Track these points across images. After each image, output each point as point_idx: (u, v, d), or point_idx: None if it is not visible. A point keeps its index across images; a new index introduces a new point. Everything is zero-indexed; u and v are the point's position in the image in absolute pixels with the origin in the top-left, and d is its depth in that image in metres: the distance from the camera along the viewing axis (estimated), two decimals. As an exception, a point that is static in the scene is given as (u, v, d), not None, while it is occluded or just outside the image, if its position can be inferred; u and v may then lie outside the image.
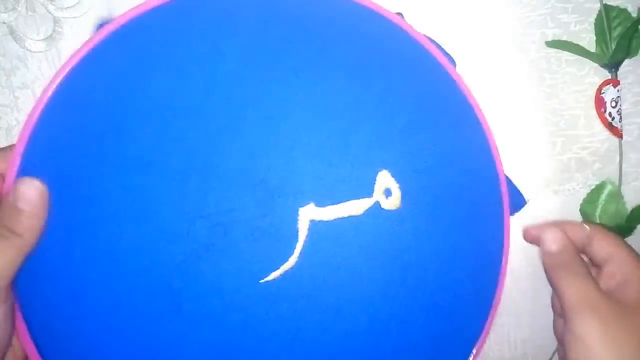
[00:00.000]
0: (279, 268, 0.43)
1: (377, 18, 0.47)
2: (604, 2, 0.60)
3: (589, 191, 0.62)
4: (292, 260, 0.43)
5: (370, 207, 0.46)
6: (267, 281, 0.42)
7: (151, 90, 0.41)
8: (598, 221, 0.61)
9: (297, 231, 0.44)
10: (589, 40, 0.61)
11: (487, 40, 0.60)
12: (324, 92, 0.44)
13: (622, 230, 0.61)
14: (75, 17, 0.54)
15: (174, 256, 0.40)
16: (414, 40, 0.49)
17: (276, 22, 0.43)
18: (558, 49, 0.60)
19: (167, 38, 0.42)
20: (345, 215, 0.45)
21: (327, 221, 0.44)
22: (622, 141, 0.61)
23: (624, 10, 0.61)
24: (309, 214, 0.44)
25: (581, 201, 0.62)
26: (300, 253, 0.44)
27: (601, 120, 0.61)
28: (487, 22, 0.59)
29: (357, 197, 0.45)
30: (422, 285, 0.47)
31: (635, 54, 0.61)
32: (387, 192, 0.47)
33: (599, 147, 0.62)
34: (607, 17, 0.60)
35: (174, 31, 0.42)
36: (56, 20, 0.53)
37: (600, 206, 0.62)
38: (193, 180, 0.41)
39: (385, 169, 0.46)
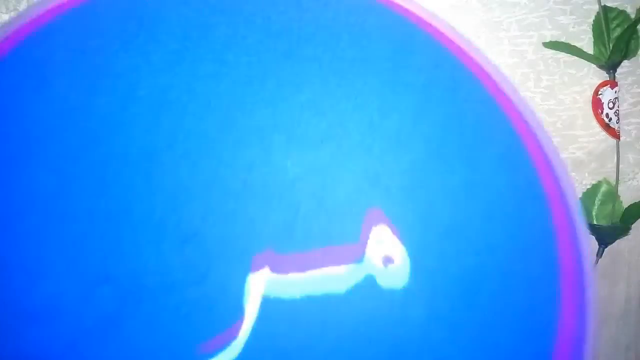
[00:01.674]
0: (212, 358, 0.26)
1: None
2: (602, 4, 0.59)
3: (584, 190, 0.61)
4: (234, 350, 0.26)
5: (359, 282, 0.26)
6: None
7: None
8: (594, 221, 0.60)
9: (243, 309, 0.26)
10: (587, 42, 0.60)
11: (484, 42, 0.58)
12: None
13: (618, 229, 0.60)
14: (76, 18, 0.52)
15: (77, 326, 0.26)
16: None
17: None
18: (555, 50, 0.59)
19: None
20: (318, 292, 0.26)
21: (289, 298, 0.26)
22: (620, 141, 0.60)
23: (623, 12, 0.59)
24: (261, 284, 0.26)
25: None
26: (247, 340, 0.25)
27: (598, 121, 0.60)
28: (485, 24, 0.58)
29: (338, 264, 0.26)
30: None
31: (634, 54, 0.60)
32: (387, 260, 0.27)
33: (596, 147, 0.61)
34: (605, 19, 0.59)
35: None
36: (57, 21, 0.52)
37: (596, 205, 0.60)
38: (95, 230, 0.26)
39: (384, 222, 0.26)
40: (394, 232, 0.27)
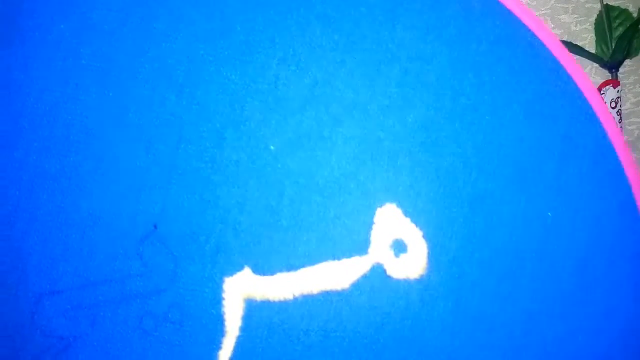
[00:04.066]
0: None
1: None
2: (604, 2, 0.55)
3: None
4: None
5: (365, 275, 0.20)
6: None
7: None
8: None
9: (222, 319, 0.20)
10: (589, 41, 0.57)
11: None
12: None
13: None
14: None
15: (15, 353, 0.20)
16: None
17: None
18: (558, 50, 0.55)
19: None
20: (315, 291, 0.20)
21: (279, 301, 0.20)
22: (625, 140, 0.56)
23: (625, 11, 0.56)
24: (242, 287, 0.20)
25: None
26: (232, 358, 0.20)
27: (603, 120, 0.55)
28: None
29: (338, 257, 0.19)
30: None
31: (636, 54, 0.57)
32: (398, 246, 0.20)
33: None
34: (607, 17, 0.56)
35: None
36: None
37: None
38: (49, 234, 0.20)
39: (393, 202, 0.19)
40: (404, 212, 0.19)
